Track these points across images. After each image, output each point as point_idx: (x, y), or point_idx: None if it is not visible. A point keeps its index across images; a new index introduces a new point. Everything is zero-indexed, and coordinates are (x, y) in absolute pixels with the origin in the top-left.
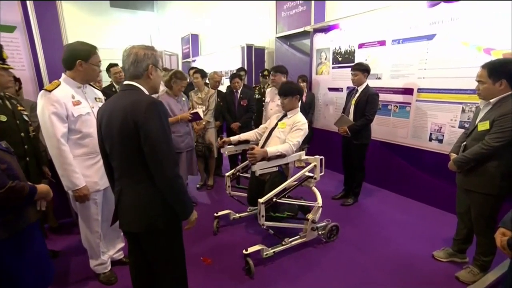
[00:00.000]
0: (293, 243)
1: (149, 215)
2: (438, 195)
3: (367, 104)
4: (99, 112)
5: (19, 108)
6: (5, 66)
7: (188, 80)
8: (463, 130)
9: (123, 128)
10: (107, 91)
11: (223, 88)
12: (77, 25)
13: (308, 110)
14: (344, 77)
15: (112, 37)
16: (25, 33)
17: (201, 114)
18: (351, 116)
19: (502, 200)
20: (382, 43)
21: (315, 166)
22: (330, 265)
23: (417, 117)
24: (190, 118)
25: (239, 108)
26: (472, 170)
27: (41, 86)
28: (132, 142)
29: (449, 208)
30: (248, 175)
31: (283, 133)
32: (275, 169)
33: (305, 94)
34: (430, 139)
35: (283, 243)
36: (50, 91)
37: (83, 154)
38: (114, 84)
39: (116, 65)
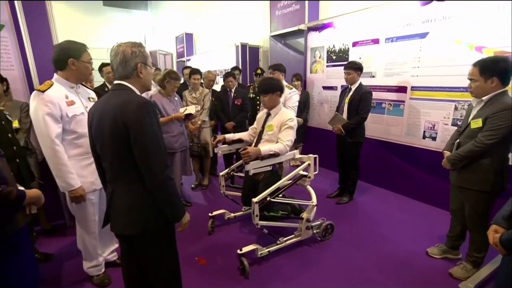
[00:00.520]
0: (288, 242)
1: (141, 218)
2: (432, 193)
3: (360, 102)
4: (90, 112)
5: (0, 108)
6: None
7: (181, 80)
8: (456, 128)
9: (113, 128)
10: (100, 91)
11: (217, 87)
12: (69, 24)
13: (303, 108)
14: (338, 76)
15: (105, 37)
16: (13, 32)
17: (194, 112)
18: (345, 115)
19: (495, 196)
20: (375, 41)
21: (309, 165)
22: (325, 264)
23: (411, 115)
24: (183, 117)
25: (233, 107)
26: (466, 167)
27: (30, 86)
28: (122, 143)
29: (443, 205)
30: (243, 175)
31: (272, 135)
32: (269, 168)
33: (299, 93)
34: (424, 137)
35: (278, 242)
36: (43, 91)
37: (78, 154)
38: (107, 84)
39: (108, 64)
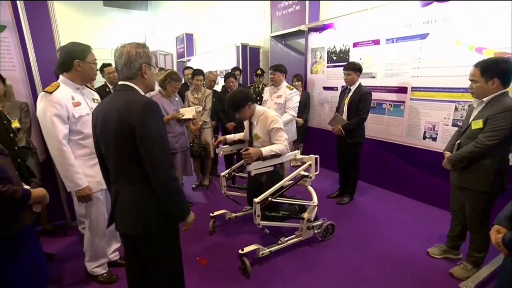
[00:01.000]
0: (289, 242)
1: (145, 217)
2: (433, 193)
3: (360, 103)
4: (94, 113)
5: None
6: None
7: (182, 81)
8: (456, 128)
9: (118, 129)
10: (101, 92)
11: (217, 87)
12: (70, 25)
13: (303, 109)
14: (338, 76)
15: (106, 37)
16: (15, 32)
17: (191, 116)
18: (344, 115)
19: (495, 197)
20: (376, 42)
21: (310, 165)
22: (326, 264)
23: (411, 115)
24: (180, 117)
25: None
26: (466, 168)
27: (32, 87)
28: (127, 143)
29: (443, 206)
30: (244, 175)
31: (264, 142)
32: (270, 168)
33: (300, 93)
34: (424, 137)
35: (279, 242)
36: (50, 92)
37: (85, 155)
38: (108, 85)
39: (109, 65)
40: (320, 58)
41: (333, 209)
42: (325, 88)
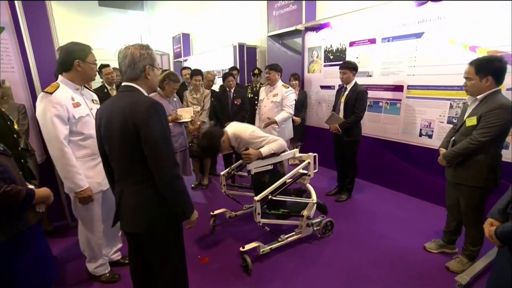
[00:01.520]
0: (289, 239)
1: (149, 216)
2: (429, 189)
3: (356, 101)
4: (98, 114)
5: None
6: None
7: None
8: (451, 126)
9: (123, 129)
10: (99, 93)
11: (215, 87)
12: (65, 26)
13: (301, 108)
14: (335, 75)
15: (102, 37)
16: (14, 34)
17: (189, 119)
18: (341, 114)
19: (489, 192)
20: (372, 41)
21: (309, 163)
22: (326, 260)
23: (408, 113)
24: (179, 120)
25: (233, 107)
26: (460, 164)
27: (31, 88)
28: (132, 143)
29: (439, 202)
30: (243, 173)
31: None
32: (270, 167)
33: (297, 92)
34: (420, 135)
35: (279, 239)
36: (51, 93)
37: (85, 156)
38: (106, 85)
39: (108, 65)
40: (317, 57)
41: (332, 206)
42: (322, 87)
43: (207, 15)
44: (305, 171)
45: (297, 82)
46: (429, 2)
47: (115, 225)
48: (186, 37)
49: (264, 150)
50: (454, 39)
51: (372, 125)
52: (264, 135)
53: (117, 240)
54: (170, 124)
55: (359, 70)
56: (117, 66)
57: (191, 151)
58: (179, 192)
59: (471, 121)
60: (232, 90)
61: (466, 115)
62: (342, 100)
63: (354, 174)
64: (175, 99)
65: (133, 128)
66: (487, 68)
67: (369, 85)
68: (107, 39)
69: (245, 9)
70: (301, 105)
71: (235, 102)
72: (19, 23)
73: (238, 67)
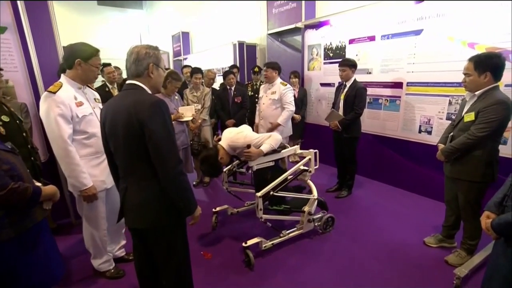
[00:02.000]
0: (290, 235)
1: (154, 212)
2: (428, 185)
3: (355, 98)
4: (103, 111)
5: (12, 109)
6: None
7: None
8: (450, 122)
9: (128, 127)
10: (101, 92)
11: (215, 85)
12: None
13: (301, 105)
14: (335, 73)
15: (101, 36)
16: (16, 33)
17: (190, 118)
18: (340, 111)
19: (486, 187)
20: (371, 38)
21: (310, 159)
22: (326, 255)
23: (407, 110)
24: (181, 119)
25: (233, 105)
26: (458, 159)
27: (34, 87)
28: (136, 141)
29: (438, 197)
30: (243, 170)
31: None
32: (272, 163)
33: (297, 90)
34: (420, 131)
35: (281, 235)
36: (54, 92)
37: (88, 154)
38: (108, 84)
39: (109, 64)
40: (316, 55)
41: (332, 203)
42: (322, 85)
43: (206, 13)
44: (306, 168)
45: (297, 79)
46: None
47: (119, 223)
48: (185, 35)
49: (265, 148)
50: (453, 36)
51: (372, 121)
52: (258, 135)
53: (121, 237)
54: (172, 122)
55: (358, 67)
56: (118, 65)
57: (192, 149)
58: (182, 188)
59: (469, 117)
60: (233, 88)
61: (464, 110)
62: (342, 97)
63: (354, 171)
64: (176, 97)
65: (138, 126)
66: (486, 64)
67: (368, 82)
68: (106, 38)
69: (245, 7)
70: (301, 102)
71: (236, 100)
72: (21, 23)
73: (238, 65)
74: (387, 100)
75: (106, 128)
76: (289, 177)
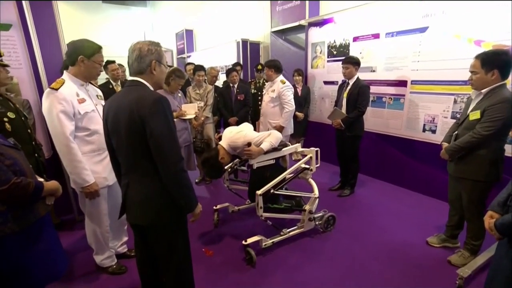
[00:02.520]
0: (291, 233)
1: (155, 208)
2: (431, 184)
3: (358, 96)
4: (105, 108)
5: (17, 105)
6: (2, 63)
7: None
8: (455, 121)
9: (130, 123)
10: (104, 89)
11: (218, 83)
12: (69, 23)
13: (304, 103)
14: (339, 71)
15: (105, 34)
16: (21, 31)
17: (193, 116)
18: (343, 109)
19: (490, 186)
20: (376, 36)
21: (311, 158)
22: (327, 254)
23: (411, 108)
24: (184, 117)
25: (236, 102)
26: (462, 158)
27: (39, 84)
28: (138, 137)
29: (442, 196)
30: (244, 168)
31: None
32: (272, 162)
33: (300, 88)
34: (424, 130)
35: (282, 233)
36: (56, 89)
37: (90, 151)
38: (111, 81)
39: (113, 62)
40: (320, 53)
41: (334, 201)
42: (326, 83)
43: (210, 11)
44: (307, 166)
45: (300, 77)
46: None
47: (121, 219)
48: (189, 33)
49: (265, 146)
50: (459, 34)
51: (375, 120)
52: (258, 133)
53: (122, 234)
54: (175, 119)
55: (362, 65)
56: (122, 63)
57: (195, 146)
58: (183, 185)
59: (475, 115)
60: (236, 86)
61: (470, 109)
62: (345, 95)
63: (357, 169)
64: (179, 94)
65: (140, 122)
66: (493, 62)
67: (372, 80)
68: (111, 36)
69: (248, 5)
70: (304, 100)
71: (239, 97)
72: (26, 20)
73: (241, 62)
74: (391, 99)
75: (108, 125)
76: (290, 175)
